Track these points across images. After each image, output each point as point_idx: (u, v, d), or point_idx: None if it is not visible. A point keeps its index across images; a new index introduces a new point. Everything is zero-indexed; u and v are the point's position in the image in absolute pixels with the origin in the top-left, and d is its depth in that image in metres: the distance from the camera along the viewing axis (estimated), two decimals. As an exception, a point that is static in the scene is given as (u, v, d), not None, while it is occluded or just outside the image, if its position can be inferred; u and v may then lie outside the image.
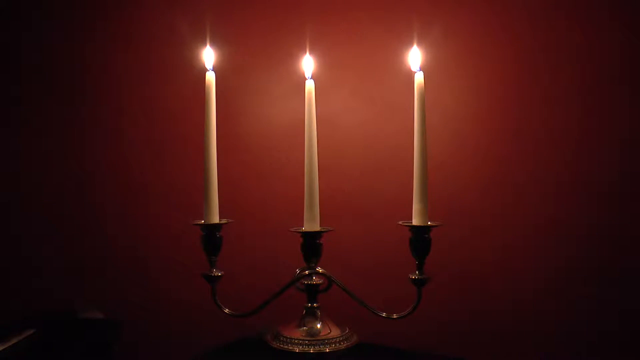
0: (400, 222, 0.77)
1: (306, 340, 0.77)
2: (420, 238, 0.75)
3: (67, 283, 1.13)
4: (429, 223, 0.75)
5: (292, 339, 0.78)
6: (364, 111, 1.06)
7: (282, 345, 0.77)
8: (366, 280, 0.95)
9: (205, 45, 0.83)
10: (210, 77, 0.80)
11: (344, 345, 0.77)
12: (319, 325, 0.79)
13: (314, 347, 0.76)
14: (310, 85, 0.80)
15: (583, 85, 0.96)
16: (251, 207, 1.07)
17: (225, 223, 0.81)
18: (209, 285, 0.81)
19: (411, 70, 0.78)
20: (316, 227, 0.79)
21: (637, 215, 0.93)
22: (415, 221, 0.76)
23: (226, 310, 0.82)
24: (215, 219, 0.80)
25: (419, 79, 0.76)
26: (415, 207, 0.76)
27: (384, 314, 0.79)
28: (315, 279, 0.80)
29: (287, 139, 1.06)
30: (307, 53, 0.84)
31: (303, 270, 0.80)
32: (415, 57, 0.78)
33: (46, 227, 1.14)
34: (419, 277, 0.76)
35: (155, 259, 1.11)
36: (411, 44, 0.79)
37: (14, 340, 0.83)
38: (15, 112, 1.16)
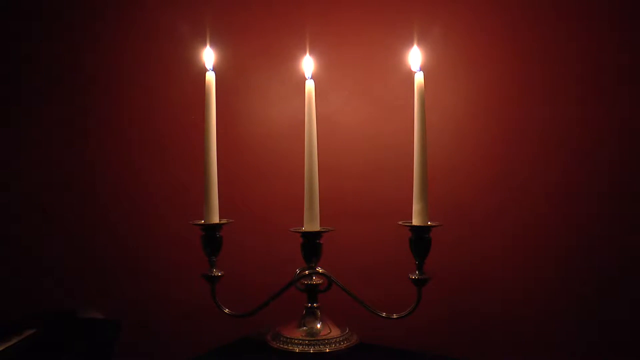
0: (400, 222, 0.77)
1: (306, 340, 0.77)
2: (420, 238, 0.75)
3: (67, 283, 1.13)
4: (429, 223, 0.76)
5: (292, 339, 0.78)
6: (364, 111, 1.06)
7: (282, 345, 0.77)
8: (366, 280, 0.95)
9: (206, 45, 0.83)
10: (210, 77, 0.80)
11: (344, 345, 0.77)
12: (319, 325, 0.79)
13: (314, 347, 0.76)
14: (310, 86, 0.80)
15: (583, 85, 0.96)
16: (251, 207, 1.07)
17: (225, 223, 0.81)
18: (209, 285, 0.81)
19: (411, 70, 0.78)
20: (316, 227, 0.79)
21: (637, 216, 0.93)
22: (415, 221, 0.76)
23: (226, 310, 0.82)
24: (215, 219, 0.80)
25: (419, 79, 0.76)
26: (415, 207, 0.76)
27: (384, 314, 0.79)
28: (315, 279, 0.81)
29: (287, 139, 1.06)
30: (307, 53, 0.84)
31: (303, 270, 0.80)
32: (415, 57, 0.78)
33: (46, 227, 1.14)
34: (419, 277, 0.76)
35: (155, 259, 1.11)
36: (411, 44, 0.80)
37: (14, 340, 0.83)
38: (16, 112, 1.16)
